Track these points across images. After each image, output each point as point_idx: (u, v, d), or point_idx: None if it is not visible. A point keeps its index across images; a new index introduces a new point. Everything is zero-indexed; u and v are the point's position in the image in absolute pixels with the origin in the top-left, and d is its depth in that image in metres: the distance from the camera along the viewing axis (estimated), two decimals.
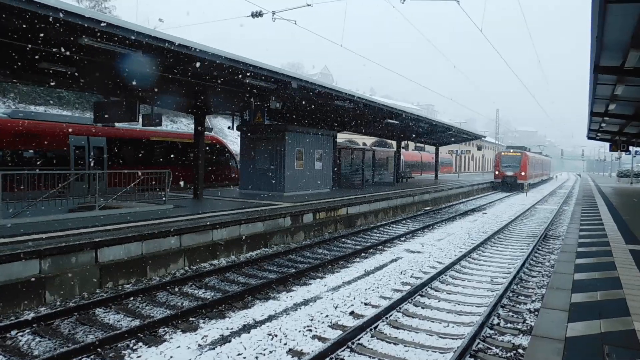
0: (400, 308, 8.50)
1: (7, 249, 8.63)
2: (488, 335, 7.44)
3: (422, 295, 9.43)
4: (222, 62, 12.29)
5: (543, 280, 10.79)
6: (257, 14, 17.93)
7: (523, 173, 43.96)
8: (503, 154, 46.25)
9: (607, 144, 39.32)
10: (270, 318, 7.79)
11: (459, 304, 8.99)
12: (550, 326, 5.19)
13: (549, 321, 5.37)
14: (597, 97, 15.39)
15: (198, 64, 12.20)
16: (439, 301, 9.17)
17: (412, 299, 9.07)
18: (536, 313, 8.19)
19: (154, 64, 12.23)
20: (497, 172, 45.57)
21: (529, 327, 7.67)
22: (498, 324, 7.93)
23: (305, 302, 8.69)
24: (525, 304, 9.08)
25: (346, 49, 21.92)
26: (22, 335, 7.36)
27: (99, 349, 6.74)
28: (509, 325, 7.92)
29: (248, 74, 13.74)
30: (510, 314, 8.49)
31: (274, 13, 17.91)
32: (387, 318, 7.97)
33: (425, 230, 18.22)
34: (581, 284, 6.90)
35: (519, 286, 10.33)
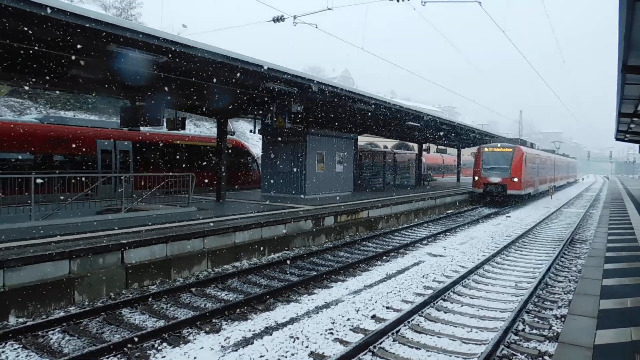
0: (422, 312, 8.47)
1: (39, 250, 8.89)
2: (513, 341, 7.36)
3: (444, 300, 9.38)
4: (245, 67, 12.43)
5: (570, 286, 10.62)
6: (278, 19, 18.05)
7: (516, 179, 28.57)
8: (486, 149, 29.98)
9: (637, 146, 38.38)
10: (292, 320, 7.85)
11: (482, 309, 8.92)
12: (578, 333, 5.12)
13: (577, 328, 5.29)
14: (626, 97, 15.07)
15: (222, 69, 12.37)
16: (462, 306, 9.11)
17: (434, 303, 9.02)
18: (563, 319, 8.06)
19: (178, 69, 12.44)
20: (476, 178, 29.73)
21: (555, 334, 7.56)
22: (523, 330, 7.84)
23: (327, 305, 8.73)
24: (552, 309, 8.95)
25: (367, 52, 21.93)
26: (52, 334, 7.57)
27: (125, 349, 6.89)
28: (534, 331, 7.82)
29: (270, 78, 13.87)
30: (536, 319, 8.39)
31: (295, 17, 18.02)
32: (409, 322, 7.95)
33: (448, 233, 18.09)
34: (610, 290, 6.77)
35: (544, 291, 10.19)
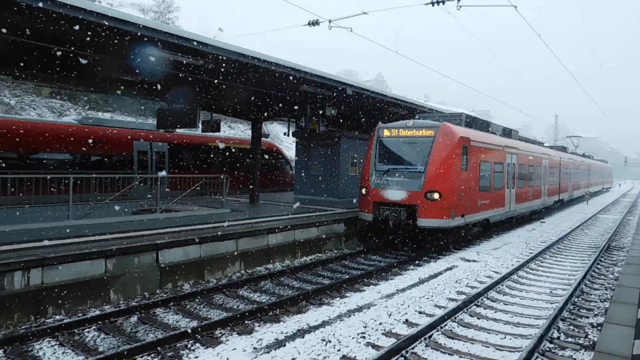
0: (455, 318, 8.34)
1: (76, 249, 9.12)
2: (547, 349, 7.17)
3: (477, 305, 9.21)
4: (281, 70, 12.52)
5: (606, 294, 10.29)
6: (314, 23, 18.11)
7: (435, 195, 13.68)
8: (386, 132, 15.46)
9: None
10: (324, 324, 7.83)
11: (516, 315, 8.72)
12: (614, 342, 4.96)
13: (614, 337, 5.13)
14: None
15: (258, 72, 12.50)
16: (495, 312, 8.93)
17: (467, 309, 8.87)
18: (599, 328, 7.81)
19: (215, 72, 12.61)
20: (363, 191, 15.33)
21: (591, 343, 7.33)
22: (558, 338, 7.63)
23: (359, 309, 8.68)
24: (588, 317, 8.68)
25: (401, 55, 21.74)
26: (88, 332, 7.76)
27: (158, 348, 7.00)
28: (569, 339, 7.60)
29: (304, 81, 13.92)
30: (571, 327, 8.15)
31: (330, 21, 18.06)
32: (441, 327, 7.84)
33: (481, 238, 17.77)
34: None
35: (580, 299, 9.90)
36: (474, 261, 13.33)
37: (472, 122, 17.30)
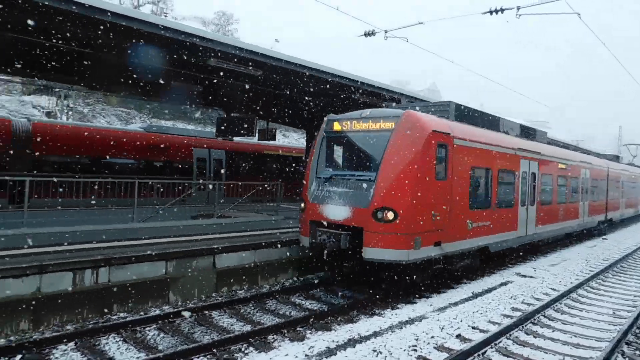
0: (510, 335, 8.15)
1: (139, 251, 9.59)
2: None
3: (534, 323, 8.95)
4: (337, 80, 12.73)
5: None
6: (369, 33, 18.28)
7: (389, 213, 9.53)
8: (336, 126, 11.26)
9: None
10: (375, 334, 7.85)
11: (575, 336, 8.41)
12: None
13: None
14: None
15: (314, 82, 12.76)
16: (553, 331, 8.65)
17: (523, 326, 8.64)
18: None
19: (272, 82, 12.97)
20: (302, 206, 11.12)
21: None
22: None
23: (411, 321, 8.64)
24: None
25: (457, 64, 21.49)
26: (149, 330, 8.14)
27: (214, 350, 7.25)
28: None
29: (359, 90, 14.07)
30: (637, 352, 7.79)
31: (386, 32, 18.16)
32: (495, 344, 7.68)
33: (538, 254, 17.20)
34: None
35: None
36: (530, 277, 12.94)
37: (468, 115, 12.76)
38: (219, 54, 10.56)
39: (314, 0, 12.11)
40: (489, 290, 11.24)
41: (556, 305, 10.14)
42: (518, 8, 12.75)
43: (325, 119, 11.57)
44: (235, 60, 10.86)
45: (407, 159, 9.70)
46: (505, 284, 12.02)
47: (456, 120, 11.89)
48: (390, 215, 9.47)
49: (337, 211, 10.22)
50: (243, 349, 7.46)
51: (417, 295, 10.78)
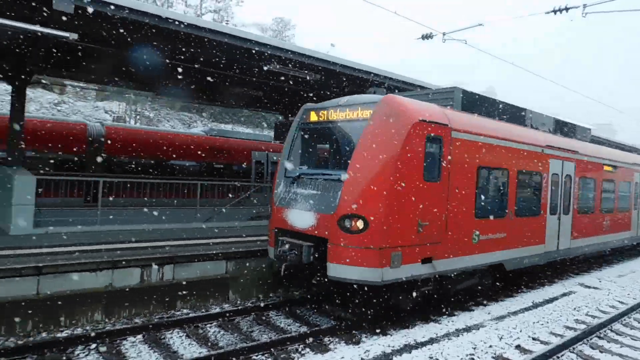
0: (573, 348, 7.88)
1: (201, 250, 9.99)
2: None
3: (600, 337, 8.61)
4: (394, 84, 12.77)
5: None
6: (427, 36, 18.18)
7: (359, 223, 7.75)
8: (312, 116, 9.71)
9: None
10: (431, 340, 7.81)
11: None
12: None
13: None
14: None
15: (368, 84, 12.87)
16: (621, 346, 8.27)
17: (588, 340, 8.33)
18: None
19: (328, 86, 13.16)
20: (270, 209, 9.77)
21: None
22: None
23: (468, 329, 8.52)
24: None
25: (516, 67, 20.90)
26: (210, 327, 8.46)
27: (272, 349, 7.46)
28: None
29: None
30: None
31: (444, 34, 18.00)
32: (558, 358, 7.46)
33: (603, 264, 16.45)
34: None
35: None
36: (595, 288, 12.41)
37: (479, 104, 10.82)
38: (280, 59, 10.88)
39: (371, 4, 12.19)
40: (550, 300, 10.89)
41: (625, 320, 9.70)
42: (584, 6, 12.30)
43: (302, 108, 10.08)
44: (294, 64, 11.15)
45: (384, 155, 7.87)
46: (567, 294, 11.61)
47: (463, 110, 10.15)
48: (359, 224, 7.71)
49: (301, 217, 8.60)
50: (300, 350, 7.63)
51: (473, 303, 10.61)
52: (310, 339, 7.93)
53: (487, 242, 9.91)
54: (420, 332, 8.24)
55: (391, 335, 8.10)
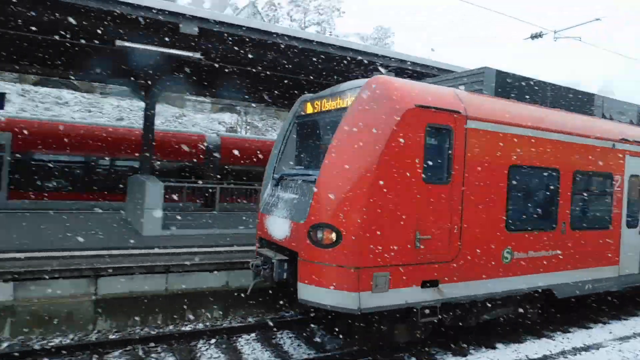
0: None
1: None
2: None
3: None
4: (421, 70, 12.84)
5: None
6: (536, 35, 17.51)
7: (333, 235, 6.16)
8: (308, 108, 8.46)
9: None
10: (545, 358, 7.45)
11: None
12: None
13: None
14: None
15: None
16: None
17: None
18: None
19: None
20: (258, 211, 8.61)
21: None
22: None
23: (585, 348, 8.00)
24: None
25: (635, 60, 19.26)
26: (317, 330, 8.73)
27: (378, 355, 7.49)
28: None
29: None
30: None
31: (555, 32, 17.23)
32: None
33: None
34: None
35: None
36: None
37: (519, 87, 8.57)
38: (379, 65, 11.26)
39: (475, 5, 12.04)
40: None
41: None
42: None
43: (298, 99, 8.79)
44: (392, 70, 11.45)
45: (364, 150, 6.27)
46: None
47: (497, 96, 8.14)
48: (332, 236, 6.16)
49: (278, 226, 7.40)
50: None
51: (592, 320, 9.95)
52: (416, 348, 7.86)
53: (527, 262, 7.91)
54: (531, 347, 8.00)
55: (500, 350, 7.87)
